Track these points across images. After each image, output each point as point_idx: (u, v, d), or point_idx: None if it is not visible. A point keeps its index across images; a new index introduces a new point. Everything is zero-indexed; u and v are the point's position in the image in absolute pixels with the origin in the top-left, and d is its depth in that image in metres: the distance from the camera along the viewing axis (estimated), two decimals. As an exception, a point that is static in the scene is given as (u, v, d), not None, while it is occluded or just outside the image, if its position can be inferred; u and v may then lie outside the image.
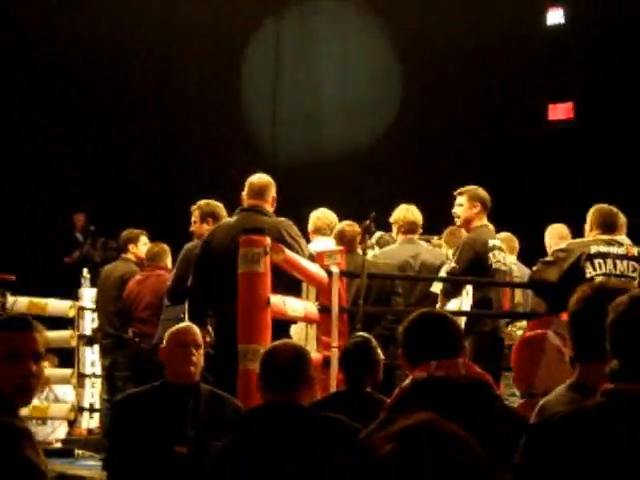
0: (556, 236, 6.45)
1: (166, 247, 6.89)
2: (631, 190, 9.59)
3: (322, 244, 6.06)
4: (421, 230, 6.58)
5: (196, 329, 3.91)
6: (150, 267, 6.89)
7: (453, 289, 6.00)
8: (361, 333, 4.56)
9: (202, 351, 3.85)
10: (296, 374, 3.09)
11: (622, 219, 5.69)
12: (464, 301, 5.90)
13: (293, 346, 3.26)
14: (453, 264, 5.91)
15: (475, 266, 5.87)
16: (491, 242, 5.93)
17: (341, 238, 6.03)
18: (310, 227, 6.29)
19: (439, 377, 2.81)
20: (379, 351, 4.14)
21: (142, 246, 7.37)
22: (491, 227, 6.15)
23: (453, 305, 5.88)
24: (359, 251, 6.02)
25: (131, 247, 7.41)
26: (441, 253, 6.57)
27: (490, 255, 5.87)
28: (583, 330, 2.60)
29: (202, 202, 6.04)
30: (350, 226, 6.06)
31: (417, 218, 6.43)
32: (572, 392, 2.68)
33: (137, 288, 6.80)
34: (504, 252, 6.07)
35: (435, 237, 6.94)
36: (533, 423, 2.41)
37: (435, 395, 2.71)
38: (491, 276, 5.89)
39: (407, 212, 6.41)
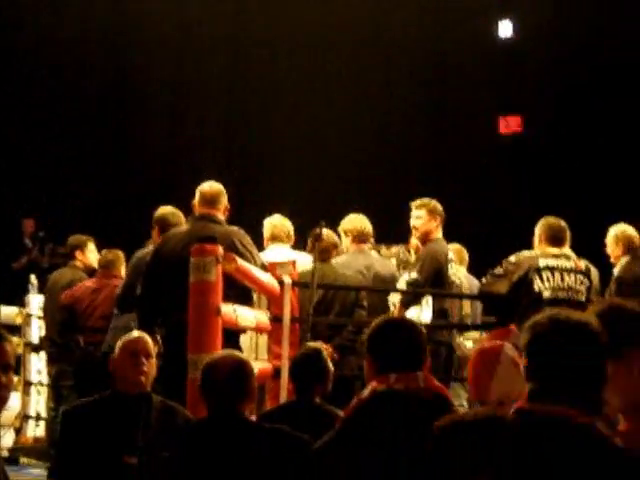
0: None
1: (120, 254, 6.76)
2: (577, 203, 9.74)
3: (278, 252, 6.04)
4: (372, 240, 6.59)
5: (147, 338, 3.88)
6: (103, 275, 6.74)
7: (413, 299, 6.05)
8: (311, 343, 4.56)
9: (153, 360, 3.82)
10: (236, 387, 3.08)
11: (568, 232, 5.77)
12: (424, 311, 5.94)
13: (234, 358, 3.23)
14: (415, 275, 5.95)
15: (437, 277, 5.96)
16: (449, 255, 6.05)
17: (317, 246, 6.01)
18: (266, 234, 6.21)
19: (398, 390, 2.81)
20: (329, 361, 4.14)
21: (89, 253, 7.26)
22: (444, 240, 6.21)
23: (412, 314, 5.91)
24: (332, 261, 6.03)
25: (78, 254, 7.27)
26: (391, 264, 6.58)
27: (449, 267, 6.00)
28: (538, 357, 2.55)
29: (157, 210, 5.95)
30: (327, 235, 6.03)
31: (368, 227, 6.42)
32: None
33: (90, 297, 6.68)
34: (454, 264, 6.19)
35: (383, 247, 6.93)
36: (440, 422, 2.42)
37: (392, 408, 2.72)
38: (449, 288, 6.00)
39: (357, 221, 6.40)
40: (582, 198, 10.24)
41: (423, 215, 6.08)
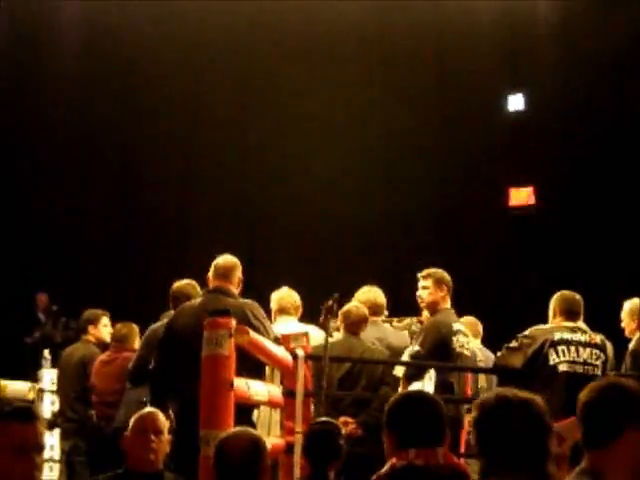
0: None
1: (135, 328, 6.78)
2: (591, 276, 9.70)
3: (286, 325, 6.02)
4: (386, 312, 6.58)
5: (158, 415, 3.85)
6: (116, 348, 6.76)
7: (417, 373, 5.99)
8: (324, 418, 4.51)
9: (164, 437, 3.78)
10: (250, 467, 3.04)
11: (583, 306, 5.75)
12: (426, 385, 5.87)
13: (247, 436, 3.19)
14: (417, 347, 5.89)
15: (439, 350, 5.86)
16: (455, 326, 5.93)
17: (346, 318, 5.96)
18: (274, 307, 6.20)
19: (418, 466, 2.79)
20: (343, 437, 4.09)
21: (102, 327, 7.29)
22: (453, 311, 6.16)
23: (415, 389, 5.84)
24: (361, 335, 5.98)
25: (91, 328, 7.30)
26: (404, 336, 6.55)
27: (454, 339, 5.87)
28: (594, 419, 2.58)
29: (175, 284, 5.98)
30: (357, 308, 6.02)
31: (382, 300, 6.42)
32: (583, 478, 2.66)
33: (102, 370, 6.68)
34: (468, 336, 6.08)
35: (395, 319, 6.90)
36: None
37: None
38: (454, 360, 5.88)
39: (372, 294, 6.39)
40: (596, 271, 10.20)
41: (429, 285, 6.05)
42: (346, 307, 6.06)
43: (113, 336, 6.89)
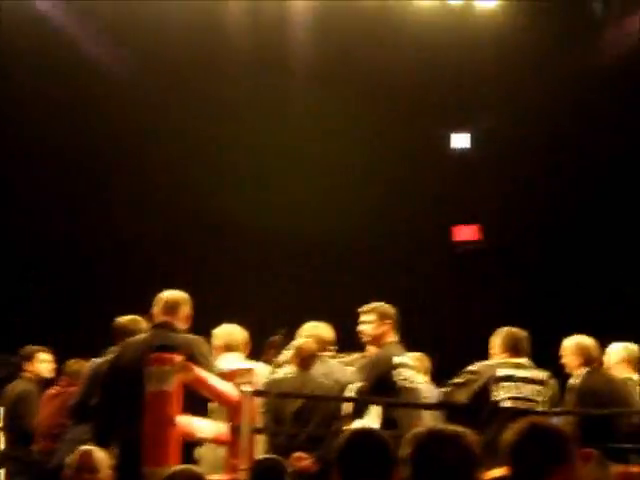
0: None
1: (86, 364, 6.72)
2: (535, 313, 9.81)
3: (232, 361, 5.96)
4: (332, 348, 6.54)
5: (93, 452, 3.77)
6: (66, 383, 6.69)
7: (360, 409, 5.95)
8: (269, 455, 4.48)
9: (101, 475, 3.69)
10: None
11: (528, 343, 5.81)
12: (371, 422, 5.83)
13: (189, 475, 3.16)
14: (362, 383, 5.89)
15: (380, 385, 5.81)
16: (396, 359, 5.84)
17: (298, 354, 5.92)
18: (219, 343, 6.07)
19: None
20: (288, 474, 4.06)
21: (39, 364, 7.29)
22: (398, 344, 6.09)
23: (360, 424, 5.79)
24: (313, 370, 5.94)
25: (27, 365, 7.30)
26: (350, 371, 6.51)
27: (394, 373, 5.79)
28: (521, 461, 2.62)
29: (119, 318, 5.91)
30: (307, 343, 5.97)
31: (329, 336, 6.36)
32: None
33: (49, 403, 6.62)
34: (412, 370, 6.00)
35: (344, 354, 6.87)
36: None
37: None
38: (397, 395, 5.78)
39: (319, 329, 6.34)
40: (539, 308, 10.32)
41: (372, 319, 6.01)
42: (297, 343, 6.02)
43: (64, 371, 6.85)
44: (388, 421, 5.69)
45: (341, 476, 2.92)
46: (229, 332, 6.10)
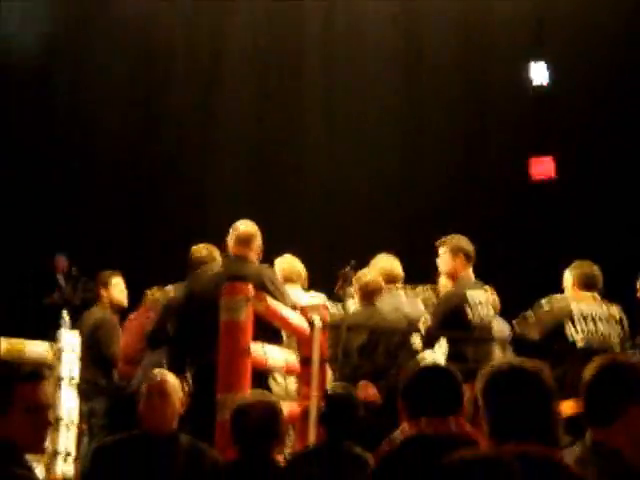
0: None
1: (170, 292, 6.86)
2: (609, 248, 9.66)
3: (291, 293, 5.98)
4: (400, 280, 6.54)
5: (165, 377, 3.85)
6: (145, 308, 6.83)
7: (427, 343, 5.96)
8: (342, 385, 4.53)
9: (172, 399, 3.77)
10: (267, 431, 3.08)
11: (601, 278, 5.73)
12: (435, 356, 5.84)
13: (264, 401, 3.24)
14: (432, 316, 5.90)
15: (450, 321, 5.79)
16: (470, 295, 5.85)
17: (363, 288, 5.94)
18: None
19: (428, 435, 2.82)
20: (360, 406, 4.12)
21: (113, 288, 7.31)
22: (473, 279, 6.04)
23: (427, 358, 5.81)
24: (378, 305, 5.98)
25: (103, 291, 7.33)
26: (418, 304, 6.51)
27: (468, 310, 5.79)
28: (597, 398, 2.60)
29: (194, 247, 5.97)
30: (373, 277, 5.99)
31: (398, 269, 6.37)
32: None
33: (130, 328, 6.78)
34: (485, 305, 5.94)
35: (408, 287, 6.86)
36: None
37: (422, 453, 2.71)
38: (470, 331, 5.78)
39: (388, 262, 6.35)
40: (614, 244, 10.15)
41: (444, 253, 5.98)
42: (362, 278, 6.03)
43: (145, 297, 6.93)
44: (457, 355, 5.69)
45: (405, 408, 2.96)
46: (285, 265, 6.09)
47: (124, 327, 6.89)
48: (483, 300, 5.89)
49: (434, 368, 3.13)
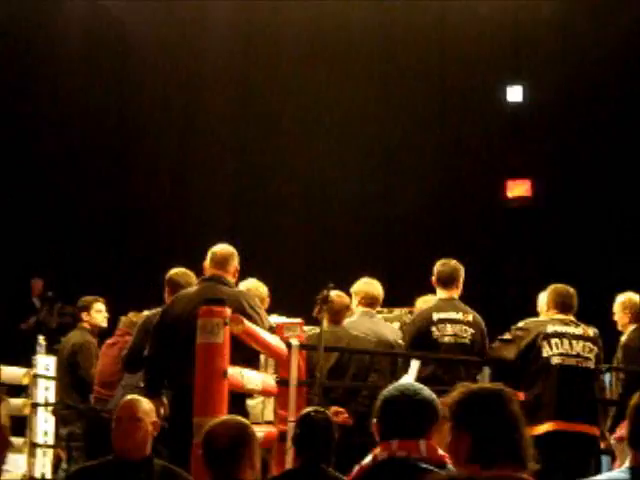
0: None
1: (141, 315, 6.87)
2: (585, 270, 9.73)
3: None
4: (380, 304, 6.56)
5: (139, 402, 3.81)
6: (121, 331, 6.87)
7: (403, 365, 6.00)
8: (316, 408, 4.52)
9: (147, 425, 3.72)
10: (235, 454, 3.06)
11: (576, 299, 5.77)
12: (405, 377, 5.85)
13: (233, 424, 3.21)
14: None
15: (417, 341, 5.83)
16: (436, 315, 5.85)
17: (329, 308, 5.94)
18: None
19: (399, 458, 2.81)
20: (335, 427, 4.10)
21: (95, 313, 7.42)
22: (446, 300, 6.02)
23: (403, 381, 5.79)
24: (344, 324, 6.01)
25: (84, 315, 7.46)
26: (395, 327, 6.51)
27: (433, 329, 5.80)
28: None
29: (171, 271, 5.99)
30: (339, 297, 5.99)
31: (378, 292, 6.39)
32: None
33: (106, 352, 6.82)
34: (458, 325, 5.84)
35: (385, 310, 6.86)
36: None
37: (393, 476, 2.71)
38: (438, 351, 5.79)
39: (369, 286, 6.38)
40: (591, 265, 10.22)
41: None
42: (329, 297, 6.03)
43: (124, 324, 6.97)
44: (432, 378, 5.68)
45: (378, 430, 2.96)
46: (248, 287, 5.98)
47: (101, 352, 6.91)
48: (455, 319, 5.86)
49: (404, 389, 3.11)
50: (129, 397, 3.89)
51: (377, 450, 2.88)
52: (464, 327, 5.83)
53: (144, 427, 3.68)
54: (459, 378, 4.80)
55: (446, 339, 5.79)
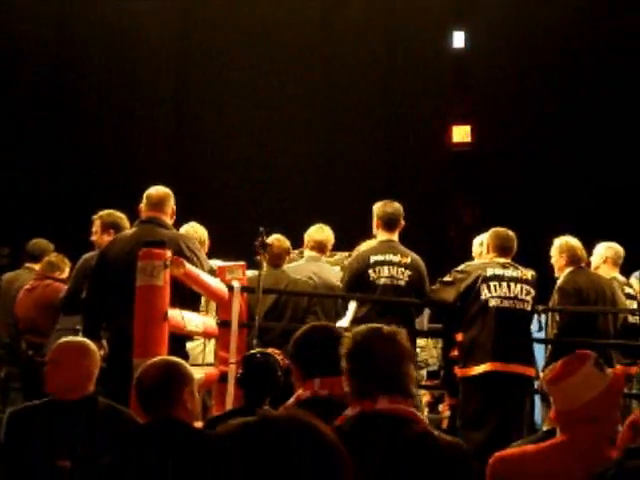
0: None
1: (65, 259, 6.73)
2: (526, 213, 9.86)
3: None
4: (330, 250, 6.59)
5: (72, 342, 3.77)
6: (39, 277, 6.70)
7: (342, 308, 6.09)
8: (260, 350, 4.54)
9: (83, 364, 3.66)
10: (166, 394, 3.07)
11: (516, 243, 5.85)
12: (344, 318, 5.94)
13: (163, 365, 3.21)
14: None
15: (354, 284, 5.91)
16: (373, 258, 5.91)
17: (268, 252, 5.93)
18: None
19: (322, 396, 2.84)
20: (279, 368, 4.13)
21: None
22: (385, 242, 6.05)
23: (340, 323, 5.88)
24: (284, 267, 6.03)
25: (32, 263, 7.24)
26: (337, 271, 6.55)
27: (370, 271, 5.87)
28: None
29: (104, 212, 5.90)
30: (278, 241, 6.01)
31: (325, 238, 6.42)
32: None
33: (25, 298, 6.63)
34: (395, 266, 5.93)
35: (327, 254, 6.90)
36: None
37: (319, 415, 2.73)
38: (374, 293, 5.87)
39: (317, 231, 6.41)
40: (531, 209, 10.36)
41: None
42: (268, 240, 6.03)
43: (41, 265, 6.80)
44: (364, 318, 5.71)
45: (297, 370, 3.00)
46: (187, 230, 6.01)
47: (19, 298, 6.68)
48: (391, 261, 5.92)
49: (321, 328, 3.15)
50: (63, 339, 3.86)
51: (299, 391, 2.91)
52: (401, 269, 5.89)
53: (78, 366, 3.65)
54: (393, 320, 4.83)
55: (382, 281, 5.86)
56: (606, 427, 2.59)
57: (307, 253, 6.41)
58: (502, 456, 2.67)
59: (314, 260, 6.35)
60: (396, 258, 5.91)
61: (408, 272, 5.88)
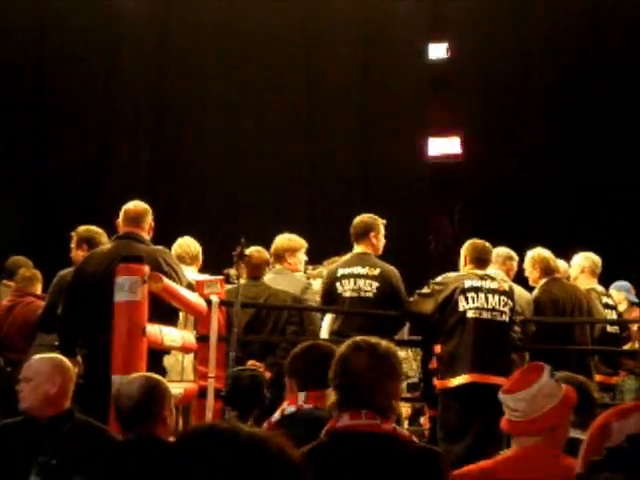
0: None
1: (38, 274, 6.69)
2: (508, 227, 9.90)
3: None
4: (294, 257, 6.55)
5: (43, 360, 3.74)
6: (18, 293, 6.65)
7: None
8: (247, 367, 4.53)
9: (53, 382, 3.63)
10: (144, 412, 3.07)
11: (493, 254, 5.89)
12: (321, 331, 5.99)
13: (143, 383, 3.21)
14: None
15: (327, 297, 5.99)
16: (341, 271, 5.93)
17: (247, 263, 5.95)
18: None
19: (307, 410, 2.86)
20: (265, 384, 4.14)
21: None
22: (358, 255, 6.06)
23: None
24: (264, 279, 6.02)
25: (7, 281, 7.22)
26: (302, 283, 6.46)
27: (337, 284, 5.91)
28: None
29: (80, 228, 5.89)
30: (258, 252, 6.00)
31: (275, 248, 6.38)
32: None
33: (5, 315, 6.58)
34: (364, 279, 5.93)
35: (310, 267, 6.90)
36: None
37: (301, 428, 2.75)
38: (343, 306, 5.91)
39: (285, 241, 6.38)
40: (513, 223, 10.40)
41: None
42: (247, 252, 6.02)
43: (16, 281, 6.76)
44: (337, 332, 5.77)
45: (290, 384, 3.01)
46: (180, 244, 6.05)
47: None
48: (359, 274, 5.93)
49: (314, 344, 3.17)
50: (35, 356, 3.84)
51: (284, 404, 2.93)
52: (368, 281, 5.90)
53: (51, 383, 3.63)
54: (360, 331, 4.84)
55: (347, 294, 5.89)
56: (562, 436, 2.64)
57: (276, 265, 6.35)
58: (460, 474, 2.69)
59: (276, 272, 6.25)
60: (364, 270, 5.92)
61: (376, 284, 5.89)
